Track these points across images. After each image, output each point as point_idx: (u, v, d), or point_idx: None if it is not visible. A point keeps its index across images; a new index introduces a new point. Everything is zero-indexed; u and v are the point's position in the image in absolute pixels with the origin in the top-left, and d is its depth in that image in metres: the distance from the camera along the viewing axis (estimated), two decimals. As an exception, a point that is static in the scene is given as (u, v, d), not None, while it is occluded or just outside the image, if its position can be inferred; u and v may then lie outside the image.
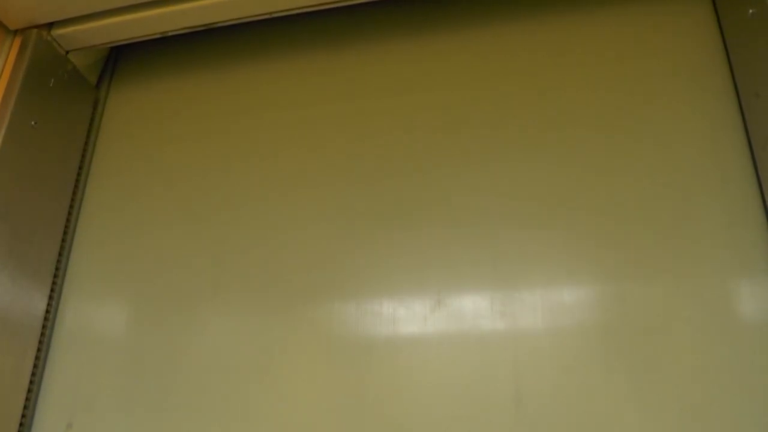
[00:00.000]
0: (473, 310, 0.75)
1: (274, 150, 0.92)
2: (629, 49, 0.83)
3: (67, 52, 0.95)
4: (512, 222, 0.78)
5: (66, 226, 0.92)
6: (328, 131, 0.91)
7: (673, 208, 0.74)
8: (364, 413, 0.73)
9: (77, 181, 0.95)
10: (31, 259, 0.85)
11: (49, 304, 0.88)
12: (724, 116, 0.77)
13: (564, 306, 0.73)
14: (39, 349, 0.87)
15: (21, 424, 0.83)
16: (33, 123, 0.86)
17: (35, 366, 0.86)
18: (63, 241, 0.92)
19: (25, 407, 0.84)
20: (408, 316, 0.77)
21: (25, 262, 0.84)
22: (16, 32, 0.91)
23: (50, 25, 0.92)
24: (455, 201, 0.81)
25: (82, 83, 0.99)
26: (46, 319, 0.88)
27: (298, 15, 1.00)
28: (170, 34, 0.91)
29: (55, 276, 0.90)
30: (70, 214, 0.93)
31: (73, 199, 0.94)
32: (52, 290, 0.89)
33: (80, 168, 0.96)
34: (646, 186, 0.76)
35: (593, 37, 0.85)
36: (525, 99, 0.84)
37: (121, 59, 1.07)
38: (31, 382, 0.85)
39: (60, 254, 0.91)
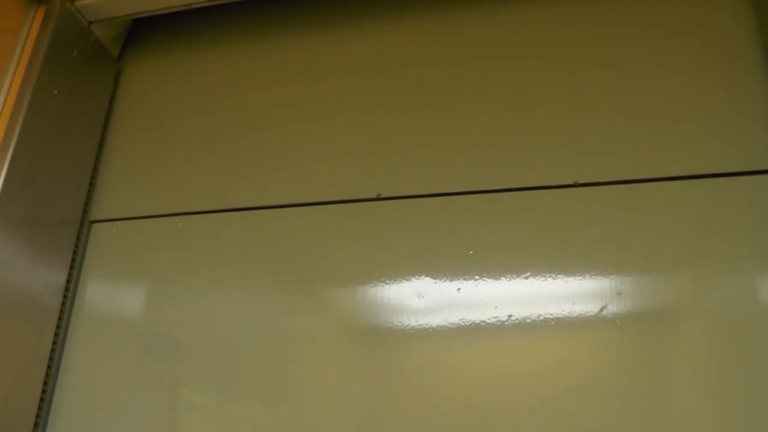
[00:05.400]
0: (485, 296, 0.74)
1: (289, 123, 0.90)
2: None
3: (90, 24, 0.95)
4: (538, 208, 0.76)
5: (87, 197, 0.92)
6: (346, 105, 0.89)
7: (700, 198, 0.71)
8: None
9: (99, 152, 0.95)
10: (52, 228, 0.85)
11: (69, 274, 0.88)
12: (754, 104, 0.74)
13: (586, 295, 0.71)
14: (60, 318, 0.87)
15: (42, 395, 0.83)
16: (56, 92, 0.86)
17: (56, 336, 0.86)
18: (84, 211, 0.92)
19: (46, 378, 0.84)
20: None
21: (47, 231, 0.84)
22: (40, 2, 0.91)
23: (74, -5, 0.92)
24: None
25: (104, 55, 0.98)
26: (66, 289, 0.88)
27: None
28: (194, 6, 0.90)
29: (76, 247, 0.90)
30: (91, 185, 0.93)
31: (94, 170, 0.94)
32: (72, 261, 0.89)
33: (102, 139, 0.96)
34: (673, 174, 0.73)
35: (626, 17, 0.83)
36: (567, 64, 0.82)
37: (143, 34, 1.06)
38: (52, 350, 0.85)
39: (81, 225, 0.91)
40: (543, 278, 0.73)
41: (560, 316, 0.71)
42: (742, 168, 0.71)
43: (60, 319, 0.87)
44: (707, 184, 0.72)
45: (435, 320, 0.74)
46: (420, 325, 0.75)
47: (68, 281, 0.88)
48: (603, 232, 0.73)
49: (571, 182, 0.75)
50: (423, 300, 0.76)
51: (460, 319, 0.73)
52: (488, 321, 0.72)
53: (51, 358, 0.85)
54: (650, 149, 0.75)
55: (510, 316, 0.72)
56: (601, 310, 0.69)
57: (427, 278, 0.76)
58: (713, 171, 0.72)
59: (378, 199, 0.83)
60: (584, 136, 0.78)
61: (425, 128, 0.84)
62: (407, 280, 0.77)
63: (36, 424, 0.82)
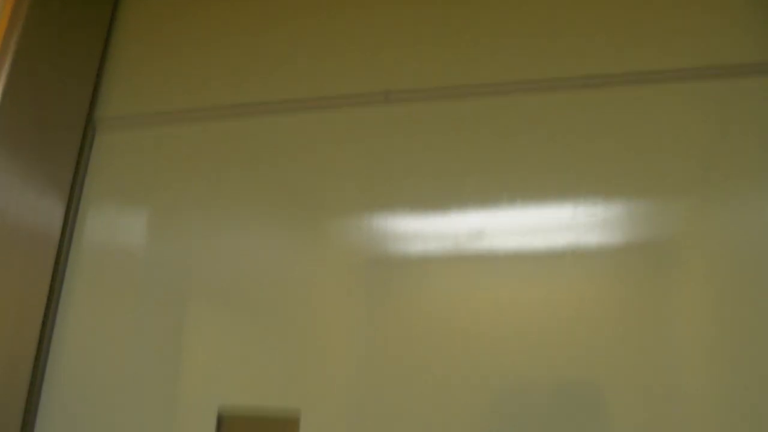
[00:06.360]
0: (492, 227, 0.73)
1: (289, 56, 0.89)
2: None
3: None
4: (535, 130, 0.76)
5: (86, 127, 0.89)
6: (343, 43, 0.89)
7: (707, 129, 0.70)
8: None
9: (98, 79, 0.92)
10: (51, 154, 0.83)
11: (68, 207, 0.85)
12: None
13: (589, 223, 0.70)
14: (58, 255, 0.83)
15: (42, 325, 0.79)
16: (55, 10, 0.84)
17: (54, 272, 0.82)
18: (83, 139, 0.89)
19: (47, 306, 0.80)
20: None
21: (46, 158, 0.81)
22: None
23: None
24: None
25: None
26: (64, 224, 0.85)
27: None
28: None
29: (75, 174, 0.87)
30: (90, 113, 0.91)
31: (93, 98, 0.91)
32: (71, 193, 0.86)
33: (100, 67, 0.93)
34: (678, 104, 0.72)
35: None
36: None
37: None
38: (50, 291, 0.81)
39: (80, 153, 0.88)
40: (549, 199, 0.72)
41: (555, 241, 0.70)
42: (759, 59, 0.71)
43: (58, 255, 0.83)
44: (720, 83, 0.71)
45: (433, 246, 0.73)
46: (419, 250, 0.73)
47: (66, 217, 0.85)
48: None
49: (584, 75, 0.75)
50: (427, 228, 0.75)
51: (456, 246, 0.72)
52: (482, 248, 0.71)
53: (51, 287, 0.81)
54: (661, 40, 0.75)
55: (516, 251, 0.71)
56: (595, 234, 0.69)
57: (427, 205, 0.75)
58: (730, 62, 0.71)
59: (385, 102, 0.82)
60: (595, 28, 0.78)
61: (432, 22, 0.84)
62: (403, 208, 0.76)
63: (37, 357, 0.78)
